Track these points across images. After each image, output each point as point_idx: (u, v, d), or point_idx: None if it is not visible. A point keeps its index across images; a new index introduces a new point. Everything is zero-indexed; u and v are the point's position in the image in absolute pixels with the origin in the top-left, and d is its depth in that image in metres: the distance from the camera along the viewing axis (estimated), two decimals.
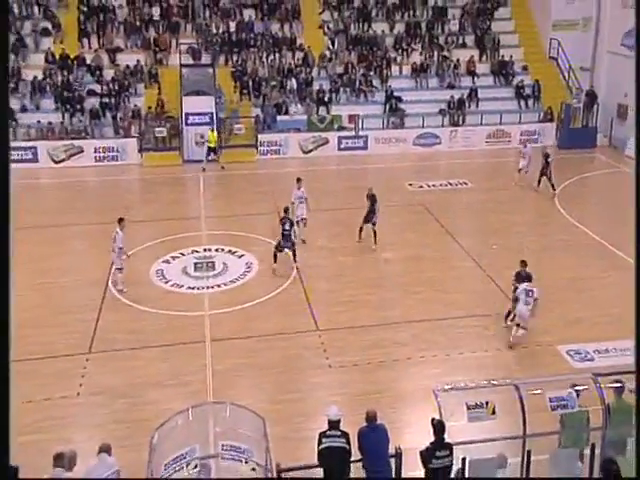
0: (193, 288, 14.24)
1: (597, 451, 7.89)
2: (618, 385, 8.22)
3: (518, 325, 12.13)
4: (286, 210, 15.17)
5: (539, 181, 19.81)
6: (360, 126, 25.09)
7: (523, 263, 12.61)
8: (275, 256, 14.79)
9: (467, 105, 26.22)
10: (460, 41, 28.18)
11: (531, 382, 8.05)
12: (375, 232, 15.96)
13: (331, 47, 27.35)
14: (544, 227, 18.12)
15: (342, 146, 24.79)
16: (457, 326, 12.96)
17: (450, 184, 21.43)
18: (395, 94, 25.94)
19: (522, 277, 12.43)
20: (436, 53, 27.55)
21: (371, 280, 14.84)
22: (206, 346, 11.90)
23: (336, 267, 15.48)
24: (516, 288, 12.29)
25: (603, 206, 19.46)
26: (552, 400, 7.83)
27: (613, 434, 7.99)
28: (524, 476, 7.80)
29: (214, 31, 26.95)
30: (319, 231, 16.63)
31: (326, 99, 25.56)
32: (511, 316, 12.45)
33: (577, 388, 8.03)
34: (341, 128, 25.06)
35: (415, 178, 21.78)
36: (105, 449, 7.32)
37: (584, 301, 13.94)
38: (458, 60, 27.14)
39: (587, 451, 7.98)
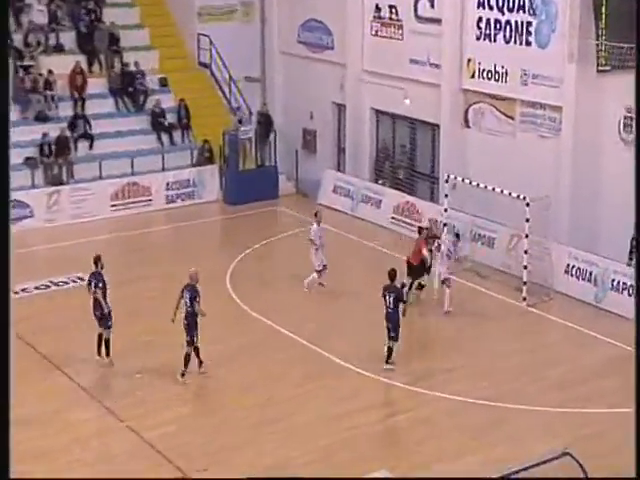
0: None
1: None
2: None
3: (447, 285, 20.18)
4: None
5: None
6: None
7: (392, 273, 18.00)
8: None
9: (73, 147, 27.45)
10: (52, 41, 29.60)
11: None
12: None
13: None
14: (217, 328, 19.49)
15: None
16: None
17: (56, 284, 22.11)
18: None
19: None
20: (11, 62, 28.27)
21: None
22: None
23: None
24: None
25: (294, 286, 21.83)
26: None
27: None
28: None
29: None
30: None
31: None
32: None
33: None
34: None
35: None
36: None
37: (279, 436, 15.53)
38: (51, 73, 28.34)
39: None
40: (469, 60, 24.70)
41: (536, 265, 21.13)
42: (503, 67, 23.75)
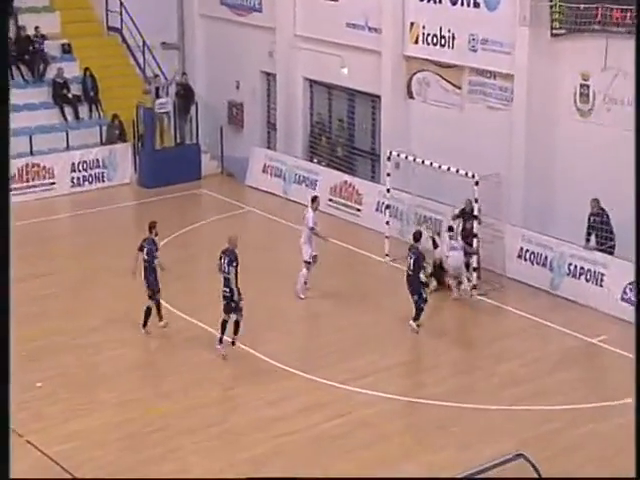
0: None
1: None
2: None
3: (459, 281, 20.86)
4: None
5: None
6: None
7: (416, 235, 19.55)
8: None
9: None
10: None
11: None
12: None
13: None
14: (132, 328, 19.71)
15: None
16: None
17: None
18: None
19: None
20: None
21: None
22: None
23: None
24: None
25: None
26: None
27: None
28: None
29: None
30: None
31: None
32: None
33: None
34: None
35: None
36: None
37: (204, 446, 15.61)
38: None
39: None
40: (412, 24, 25.05)
41: (487, 249, 21.64)
42: (449, 31, 24.17)
